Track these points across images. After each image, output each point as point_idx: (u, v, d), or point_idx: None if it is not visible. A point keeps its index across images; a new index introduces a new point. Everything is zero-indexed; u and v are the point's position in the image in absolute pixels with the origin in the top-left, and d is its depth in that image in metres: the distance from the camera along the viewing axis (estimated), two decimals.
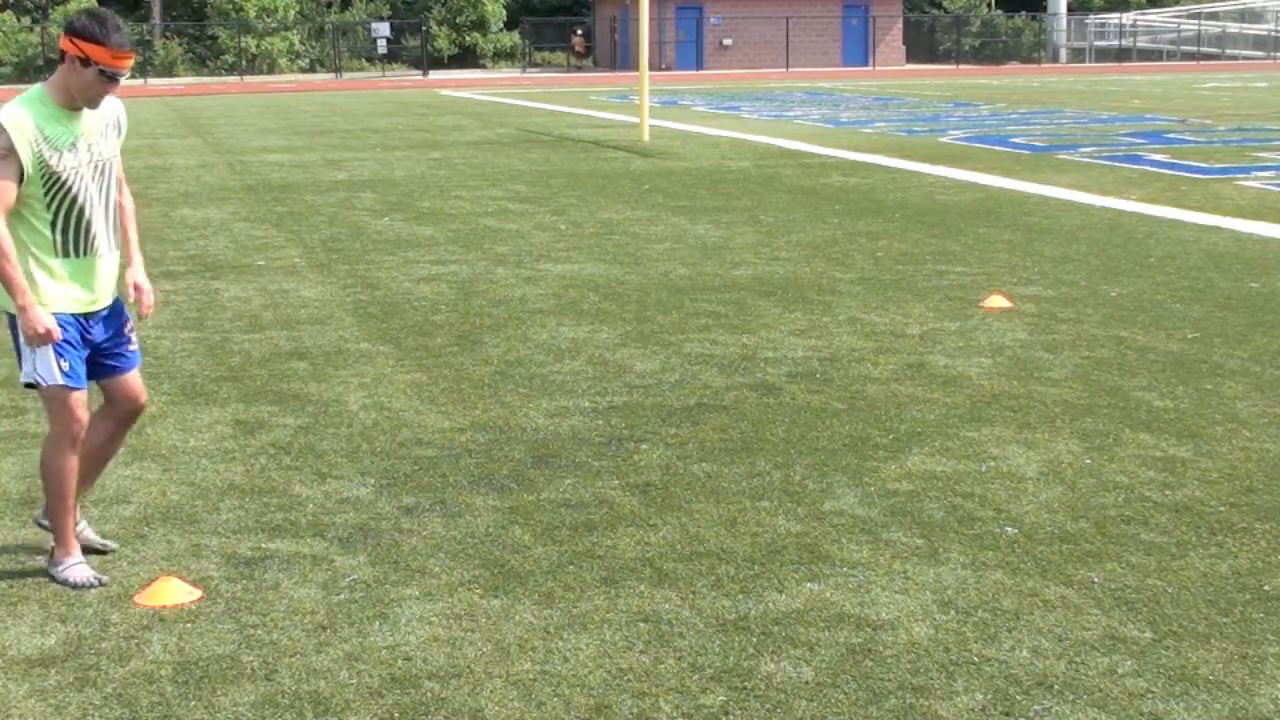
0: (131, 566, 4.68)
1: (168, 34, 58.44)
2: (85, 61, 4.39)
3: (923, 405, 6.58)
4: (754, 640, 4.08)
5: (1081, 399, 6.66)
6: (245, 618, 4.27)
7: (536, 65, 62.31)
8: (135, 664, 3.98)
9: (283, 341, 8.08)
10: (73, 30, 4.40)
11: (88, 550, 4.75)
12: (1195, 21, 65.93)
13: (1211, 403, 6.58)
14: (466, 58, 61.44)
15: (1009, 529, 4.96)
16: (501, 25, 62.19)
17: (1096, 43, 65.90)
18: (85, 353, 4.58)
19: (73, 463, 4.54)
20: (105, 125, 4.60)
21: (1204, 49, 64.07)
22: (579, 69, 59.83)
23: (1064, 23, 65.54)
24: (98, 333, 4.62)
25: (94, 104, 4.48)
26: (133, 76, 53.69)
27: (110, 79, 4.42)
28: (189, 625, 4.22)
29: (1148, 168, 17.13)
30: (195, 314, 8.90)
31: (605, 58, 62.59)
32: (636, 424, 6.32)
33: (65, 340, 4.49)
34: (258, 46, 57.07)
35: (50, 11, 55.83)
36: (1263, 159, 18.10)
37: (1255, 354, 7.53)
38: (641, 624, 4.21)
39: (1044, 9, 65.98)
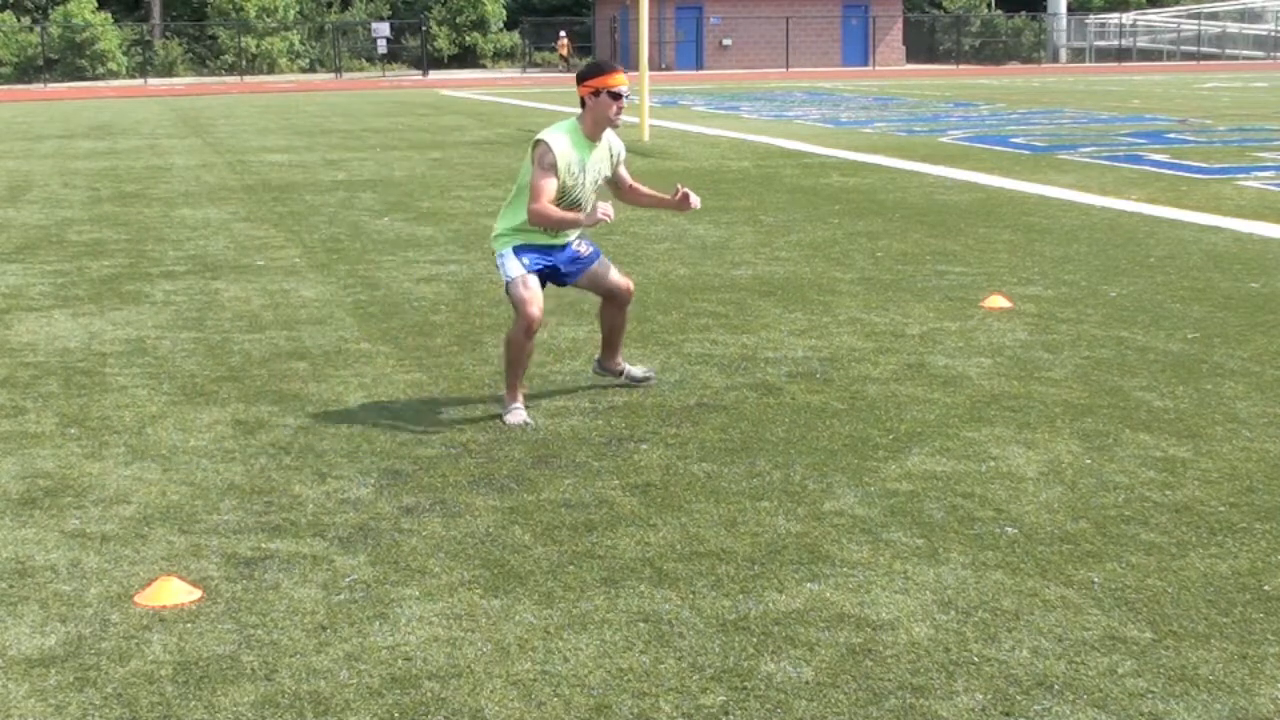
0: (131, 566, 4.68)
1: (168, 34, 58.48)
2: (596, 92, 6.17)
3: (923, 405, 6.58)
4: (754, 640, 4.08)
5: (1081, 399, 6.66)
6: (245, 618, 4.27)
7: (536, 65, 62.34)
8: (135, 664, 3.98)
9: (283, 341, 8.08)
10: (582, 76, 6.23)
11: (634, 381, 6.85)
12: (1195, 21, 65.98)
13: (1211, 403, 6.58)
14: (466, 58, 61.49)
15: (1009, 529, 4.96)
16: (501, 25, 62.24)
17: (1096, 43, 65.95)
18: (546, 262, 6.38)
19: (525, 343, 6.28)
20: (610, 154, 6.43)
21: (1204, 49, 64.13)
22: (571, 71, 59.79)
23: (1064, 23, 65.59)
24: (557, 257, 6.42)
25: (614, 122, 6.23)
26: (132, 76, 53.81)
27: (616, 96, 6.15)
28: (189, 625, 4.22)
29: (1148, 168, 17.13)
30: (195, 314, 8.91)
31: (605, 58, 62.54)
32: (636, 424, 6.32)
33: (529, 251, 6.34)
34: (258, 46, 57.10)
35: (50, 11, 55.83)
36: (1263, 159, 18.10)
37: (1255, 354, 7.53)
38: (641, 624, 4.20)
39: (1044, 9, 66.03)
